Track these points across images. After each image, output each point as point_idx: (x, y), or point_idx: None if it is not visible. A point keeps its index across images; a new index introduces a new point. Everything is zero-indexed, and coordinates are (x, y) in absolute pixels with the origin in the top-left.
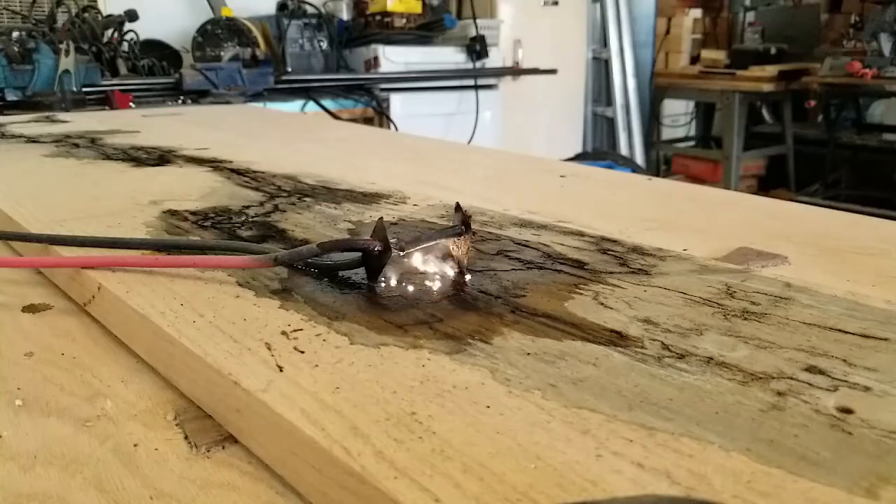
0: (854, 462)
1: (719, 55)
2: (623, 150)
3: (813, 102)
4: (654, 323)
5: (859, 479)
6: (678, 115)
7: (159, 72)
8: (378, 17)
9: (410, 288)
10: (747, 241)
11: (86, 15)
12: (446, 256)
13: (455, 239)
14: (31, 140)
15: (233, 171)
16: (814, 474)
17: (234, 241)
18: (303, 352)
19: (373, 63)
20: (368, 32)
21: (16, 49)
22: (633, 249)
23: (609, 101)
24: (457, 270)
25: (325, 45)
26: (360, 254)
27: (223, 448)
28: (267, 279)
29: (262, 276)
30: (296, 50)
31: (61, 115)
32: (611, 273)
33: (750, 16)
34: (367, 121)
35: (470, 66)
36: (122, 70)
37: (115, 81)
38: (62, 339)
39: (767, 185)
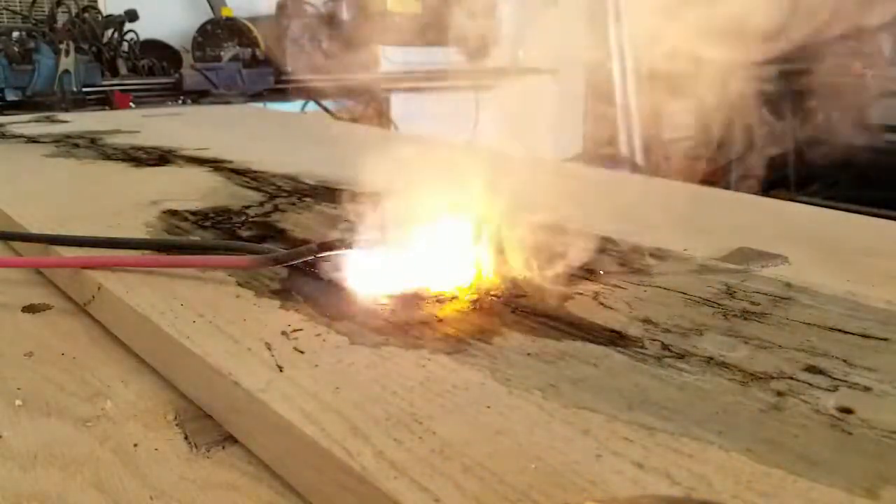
0: (854, 462)
1: None
2: (623, 150)
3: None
4: (654, 323)
5: (859, 479)
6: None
7: (159, 72)
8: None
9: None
10: (747, 241)
11: (86, 15)
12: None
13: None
14: (31, 140)
15: (233, 171)
16: (814, 474)
17: (234, 241)
18: (303, 352)
19: (373, 63)
20: None
21: (16, 49)
22: (633, 249)
23: (609, 101)
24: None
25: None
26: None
27: (223, 448)
28: (267, 279)
29: (262, 276)
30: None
31: (61, 115)
32: (611, 273)
33: None
34: (368, 121)
35: (469, 66)
36: (122, 70)
37: (115, 81)
38: (62, 339)
39: (767, 185)
